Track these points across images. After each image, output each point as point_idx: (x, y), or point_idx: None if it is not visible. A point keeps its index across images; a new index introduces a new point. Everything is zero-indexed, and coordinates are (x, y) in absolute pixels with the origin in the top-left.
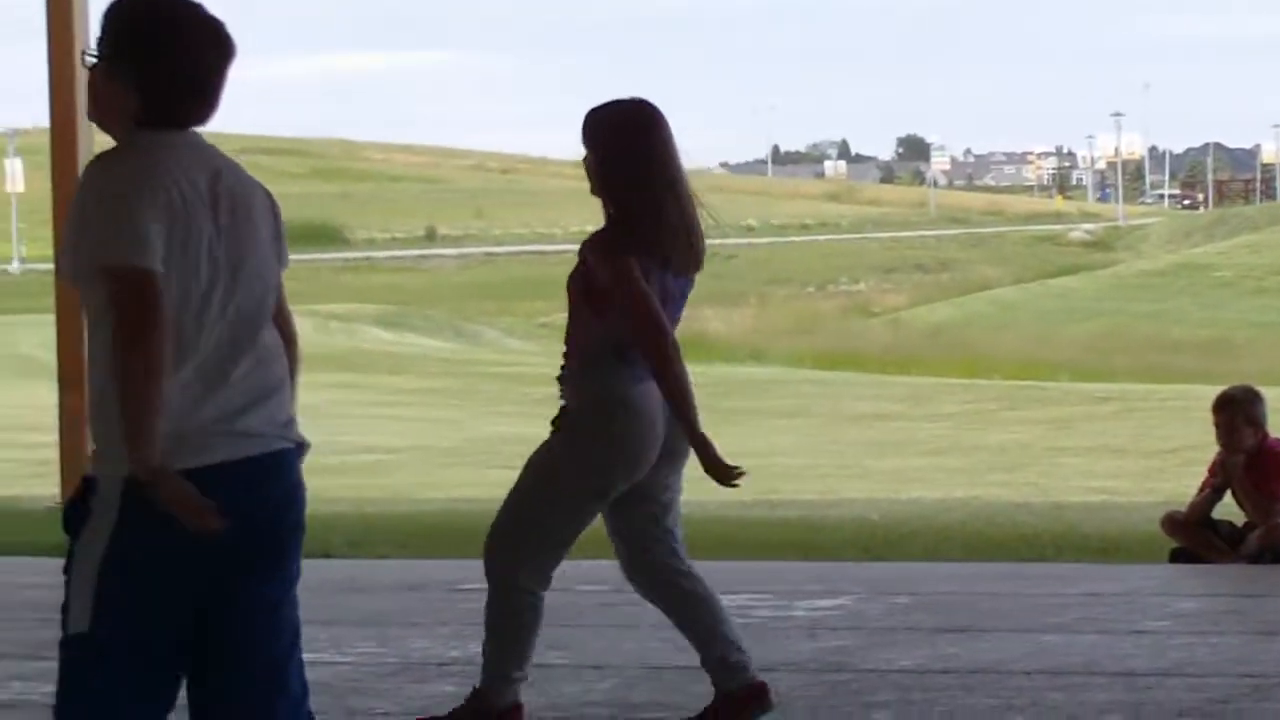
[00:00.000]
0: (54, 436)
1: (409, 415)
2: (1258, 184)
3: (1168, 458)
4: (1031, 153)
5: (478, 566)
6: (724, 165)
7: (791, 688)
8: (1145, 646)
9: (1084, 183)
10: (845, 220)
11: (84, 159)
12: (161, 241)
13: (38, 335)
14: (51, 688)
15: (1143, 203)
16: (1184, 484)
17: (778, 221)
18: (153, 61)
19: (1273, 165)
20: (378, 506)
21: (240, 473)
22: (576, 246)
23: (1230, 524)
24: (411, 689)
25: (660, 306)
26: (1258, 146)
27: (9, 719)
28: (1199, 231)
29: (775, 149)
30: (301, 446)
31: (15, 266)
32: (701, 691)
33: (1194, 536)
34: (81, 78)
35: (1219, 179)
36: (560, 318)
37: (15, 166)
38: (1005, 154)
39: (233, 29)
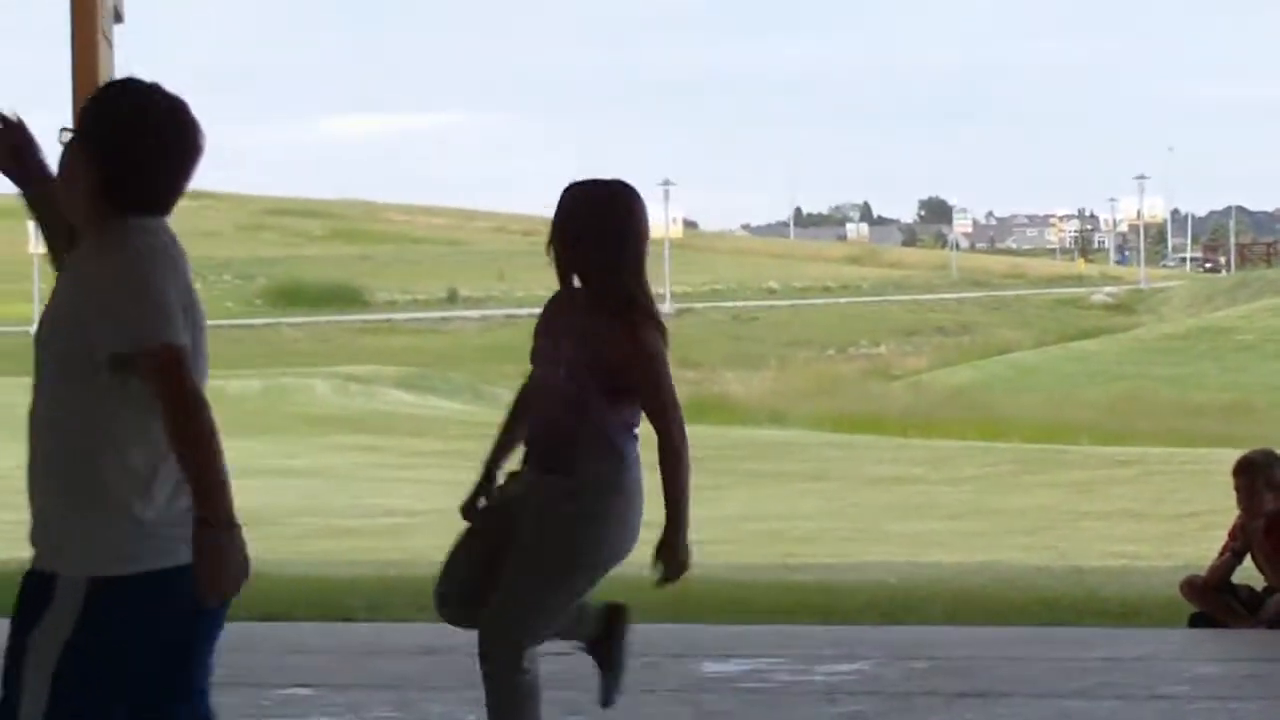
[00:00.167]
0: None
1: (429, 478)
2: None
3: (1187, 521)
4: (1054, 215)
5: None
6: (746, 227)
7: None
8: (1164, 712)
9: (1106, 245)
10: (867, 283)
11: None
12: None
13: None
14: None
15: (1165, 266)
16: (1204, 548)
17: (799, 284)
18: (122, 144)
19: None
20: (398, 569)
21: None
22: None
23: (1250, 588)
24: None
25: None
26: None
27: None
28: (1221, 295)
29: (797, 211)
30: None
31: (35, 329)
32: None
33: (1213, 601)
34: None
35: (1241, 242)
36: None
37: (37, 229)
38: (1027, 217)
39: (259, 89)
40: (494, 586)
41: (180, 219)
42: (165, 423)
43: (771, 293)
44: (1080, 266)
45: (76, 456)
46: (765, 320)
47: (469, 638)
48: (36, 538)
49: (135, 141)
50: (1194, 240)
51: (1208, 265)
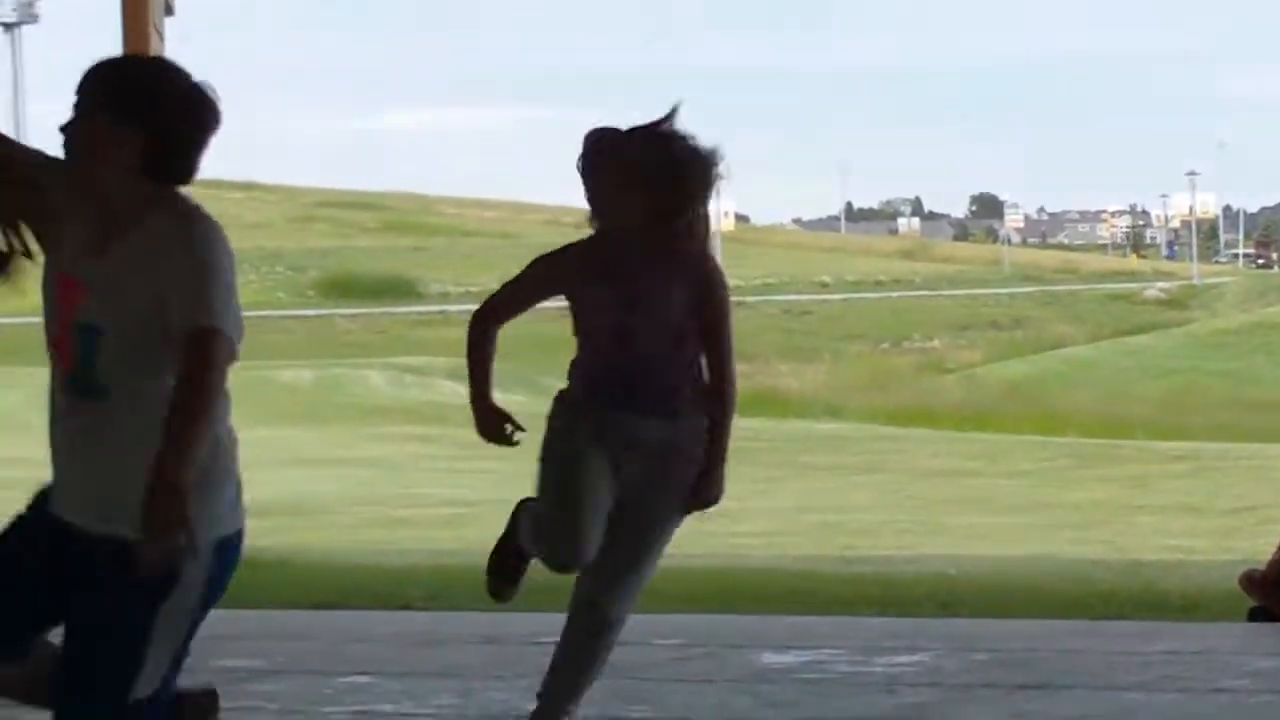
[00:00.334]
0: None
1: (484, 468)
2: None
3: (1244, 516)
4: (1105, 211)
5: (555, 620)
6: (797, 221)
7: None
8: (1225, 705)
9: (1158, 241)
10: (919, 277)
11: None
12: None
13: None
14: None
15: (1216, 261)
16: (1260, 543)
17: (852, 278)
18: (164, 119)
19: None
20: (455, 559)
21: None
22: None
23: None
24: None
25: None
26: None
27: None
28: (1274, 290)
29: (849, 206)
30: None
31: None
32: None
33: (1273, 595)
34: None
35: None
36: None
37: None
38: (1079, 212)
39: (313, 84)
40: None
41: (230, 210)
42: (185, 391)
43: (824, 286)
44: (1133, 262)
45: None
46: (818, 314)
47: (530, 628)
48: (113, 506)
49: (177, 115)
50: (1246, 236)
51: (1260, 261)
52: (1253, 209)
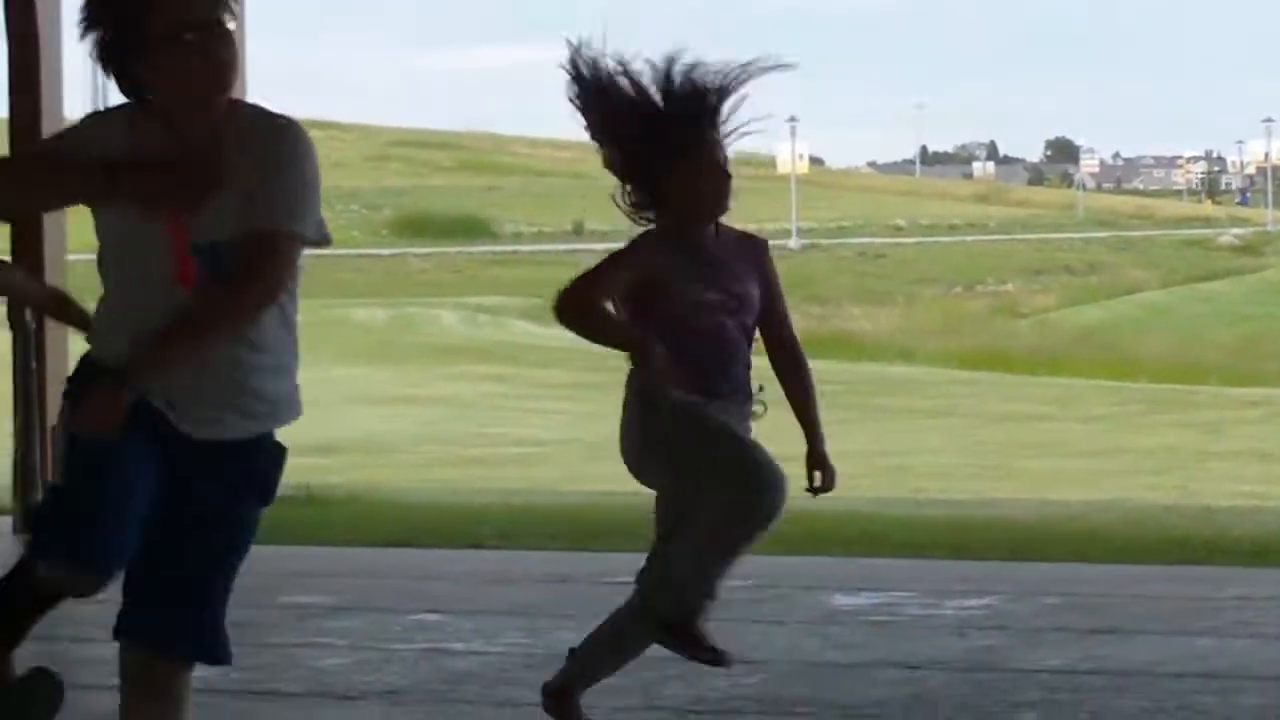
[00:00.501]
0: None
1: (556, 408)
2: None
3: None
4: (1181, 157)
5: (625, 560)
6: (872, 165)
7: (939, 686)
8: None
9: (1233, 187)
10: (993, 221)
11: None
12: None
13: None
14: None
15: None
16: None
17: (926, 221)
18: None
19: None
20: (526, 498)
21: None
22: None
23: None
24: None
25: None
26: None
27: None
28: None
29: (923, 149)
30: None
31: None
32: (854, 688)
33: None
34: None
35: None
36: None
37: None
38: (1154, 158)
39: (387, 21)
40: None
41: None
42: (227, 295)
43: (898, 230)
44: (1208, 208)
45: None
46: (892, 257)
47: (599, 567)
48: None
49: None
50: None
51: None
52: None
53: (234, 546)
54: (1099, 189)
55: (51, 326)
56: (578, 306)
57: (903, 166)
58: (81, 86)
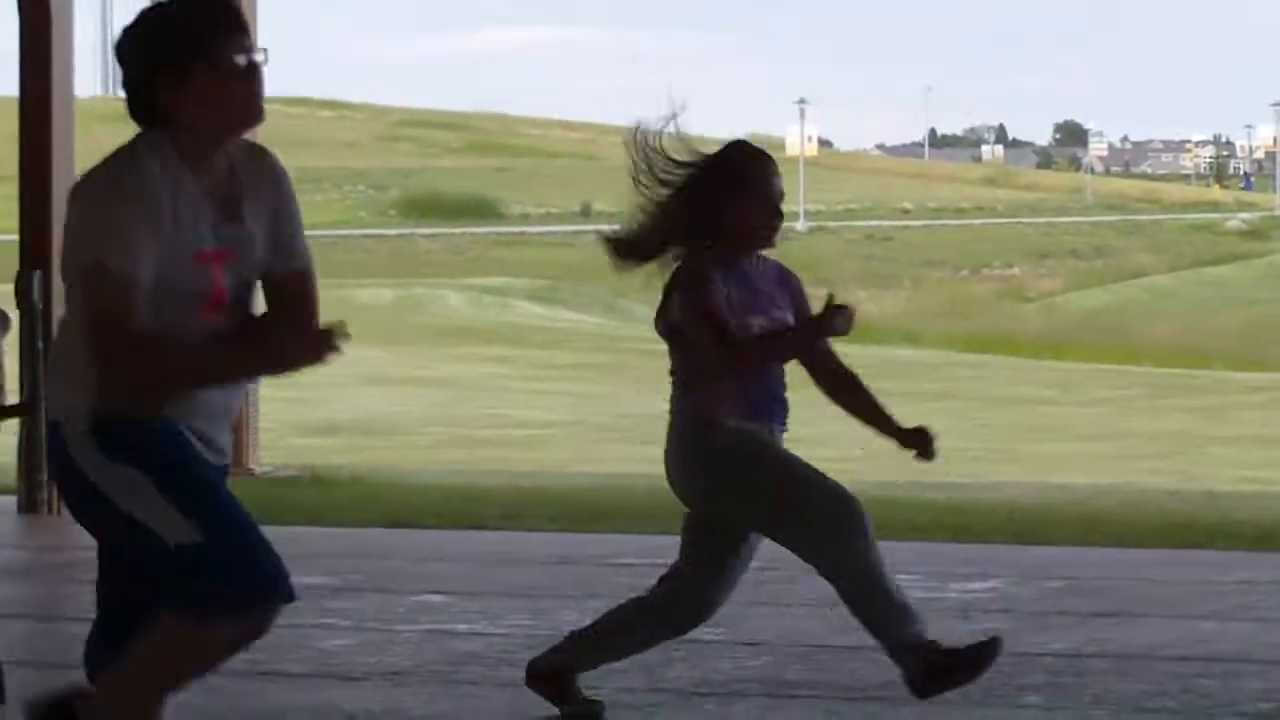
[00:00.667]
0: None
1: (561, 390)
2: None
3: None
4: (1189, 141)
5: (629, 541)
6: (880, 147)
7: None
8: None
9: (1241, 171)
10: (1001, 205)
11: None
12: None
13: None
14: None
15: None
16: None
17: (933, 204)
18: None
19: None
20: (530, 480)
21: None
22: None
23: None
24: None
25: None
26: None
27: None
28: None
29: (932, 132)
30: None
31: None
32: (857, 670)
33: None
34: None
35: None
36: None
37: None
38: (1163, 142)
39: (396, 6)
40: None
41: (317, 129)
42: (306, 332)
43: (906, 213)
44: (1215, 192)
45: None
46: (899, 240)
47: (603, 549)
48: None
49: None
50: None
51: None
52: None
53: None
54: (1107, 173)
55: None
56: (742, 350)
57: (911, 149)
58: (91, 66)
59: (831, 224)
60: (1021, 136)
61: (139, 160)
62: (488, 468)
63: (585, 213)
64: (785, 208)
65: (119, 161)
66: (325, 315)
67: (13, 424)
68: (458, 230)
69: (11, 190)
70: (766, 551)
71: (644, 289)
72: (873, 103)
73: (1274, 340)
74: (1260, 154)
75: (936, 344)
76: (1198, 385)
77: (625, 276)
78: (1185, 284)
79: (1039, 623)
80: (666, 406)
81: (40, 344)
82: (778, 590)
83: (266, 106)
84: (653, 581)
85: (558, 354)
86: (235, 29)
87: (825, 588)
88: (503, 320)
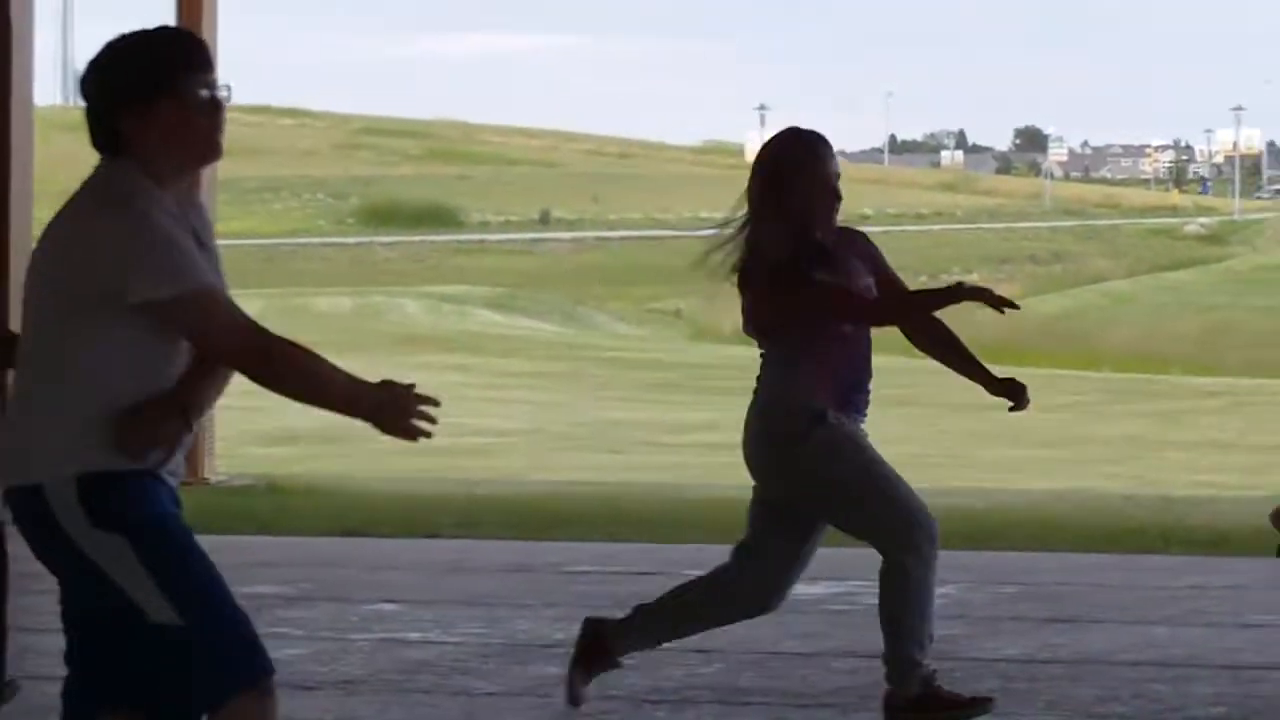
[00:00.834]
0: None
1: (519, 398)
2: None
3: (1276, 453)
4: (1149, 146)
5: (584, 549)
6: (840, 153)
7: None
8: (1252, 640)
9: (1201, 176)
10: (960, 210)
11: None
12: None
13: None
14: None
15: (1258, 198)
16: None
17: (893, 210)
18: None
19: None
20: (486, 488)
21: None
22: (691, 231)
23: None
24: (516, 670)
25: None
26: None
27: None
28: None
29: (892, 138)
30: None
31: None
32: (809, 676)
33: None
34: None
35: None
36: (673, 303)
37: None
38: (1122, 147)
39: (358, 11)
40: None
41: (276, 137)
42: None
43: (865, 218)
44: (1174, 197)
45: None
46: None
47: (558, 557)
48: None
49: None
50: None
51: None
52: None
53: None
54: (1067, 178)
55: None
56: (866, 307)
57: (871, 155)
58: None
59: None
60: (981, 142)
61: (134, 182)
62: (444, 476)
63: (544, 220)
64: (743, 214)
65: (119, 187)
66: (283, 325)
67: None
68: (417, 238)
69: None
70: (718, 558)
71: (606, 298)
72: (833, 109)
73: (1231, 345)
74: (1220, 158)
75: (897, 349)
76: (1155, 390)
77: (585, 284)
78: (1143, 289)
79: (992, 628)
80: (625, 415)
81: None
82: None
83: (226, 114)
84: (611, 588)
85: (516, 362)
86: (201, 63)
87: None
88: (461, 328)
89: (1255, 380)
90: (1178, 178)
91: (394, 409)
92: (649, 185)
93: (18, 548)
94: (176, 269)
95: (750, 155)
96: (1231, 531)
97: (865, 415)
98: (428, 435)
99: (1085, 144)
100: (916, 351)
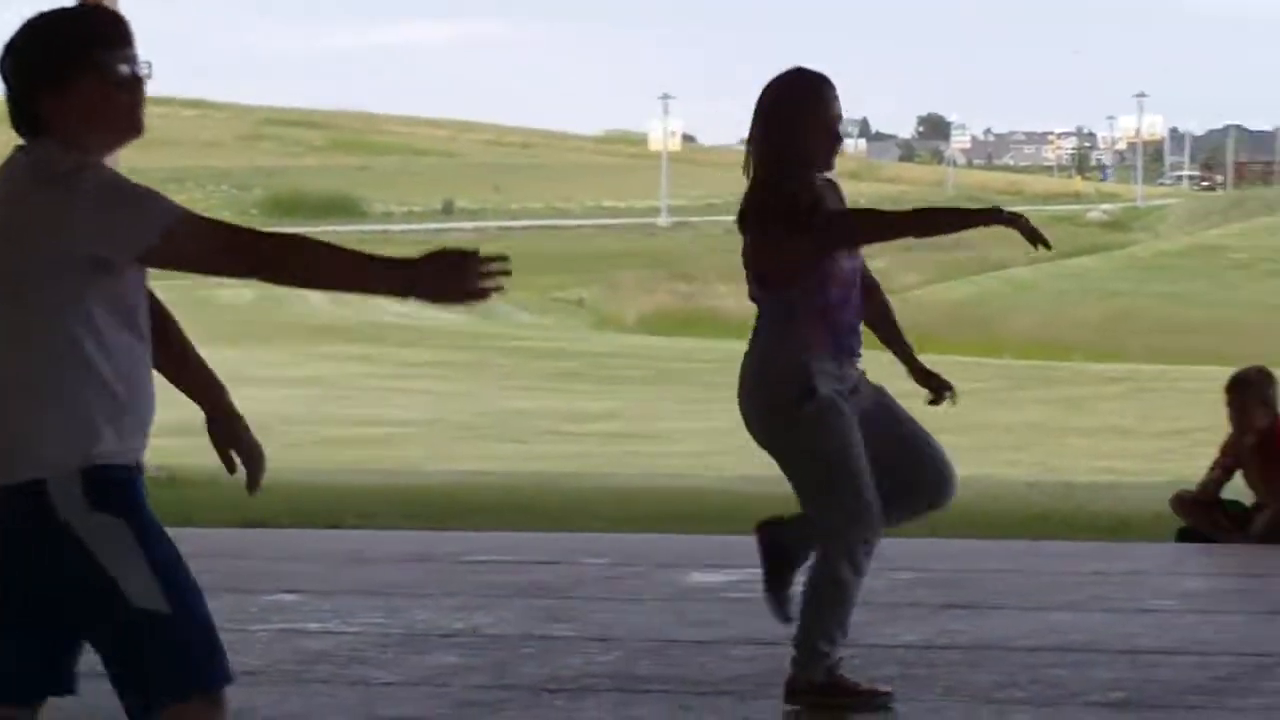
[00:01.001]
0: None
1: (420, 389)
2: (1277, 166)
3: (1176, 439)
4: (1052, 133)
5: (486, 539)
6: (744, 142)
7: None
8: (1151, 625)
9: (1104, 163)
10: (864, 198)
11: None
12: None
13: None
14: None
15: (1161, 184)
16: (1192, 465)
17: None
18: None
19: None
20: (387, 479)
21: None
22: (593, 221)
23: (1239, 504)
24: (414, 660)
25: None
26: (1279, 129)
27: None
28: (1216, 213)
29: None
30: None
31: None
32: (708, 664)
33: (1203, 516)
34: None
35: (1239, 161)
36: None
37: None
38: (1025, 134)
39: (260, 3)
40: None
41: (180, 128)
42: None
43: None
44: (1077, 184)
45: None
46: None
47: (459, 546)
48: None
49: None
50: (1192, 159)
51: (1204, 184)
52: (1199, 132)
53: None
54: (970, 165)
55: None
56: (898, 220)
57: None
58: None
59: (694, 219)
60: (884, 130)
61: (70, 157)
62: (346, 466)
63: (447, 210)
64: (646, 203)
65: (60, 164)
66: (185, 316)
67: None
68: (321, 229)
69: None
70: (617, 547)
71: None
72: (736, 98)
73: (1132, 331)
74: (1122, 145)
75: None
76: (1056, 376)
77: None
78: (1045, 276)
79: (890, 614)
80: (528, 404)
81: None
82: (630, 585)
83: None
84: (511, 577)
85: (418, 352)
86: (120, 39)
87: (679, 583)
88: (363, 319)
89: (1157, 366)
90: (1080, 164)
91: (455, 275)
92: (551, 174)
93: None
94: (159, 210)
95: (653, 145)
96: (1132, 517)
97: (860, 354)
98: (500, 290)
99: (988, 131)
100: None
